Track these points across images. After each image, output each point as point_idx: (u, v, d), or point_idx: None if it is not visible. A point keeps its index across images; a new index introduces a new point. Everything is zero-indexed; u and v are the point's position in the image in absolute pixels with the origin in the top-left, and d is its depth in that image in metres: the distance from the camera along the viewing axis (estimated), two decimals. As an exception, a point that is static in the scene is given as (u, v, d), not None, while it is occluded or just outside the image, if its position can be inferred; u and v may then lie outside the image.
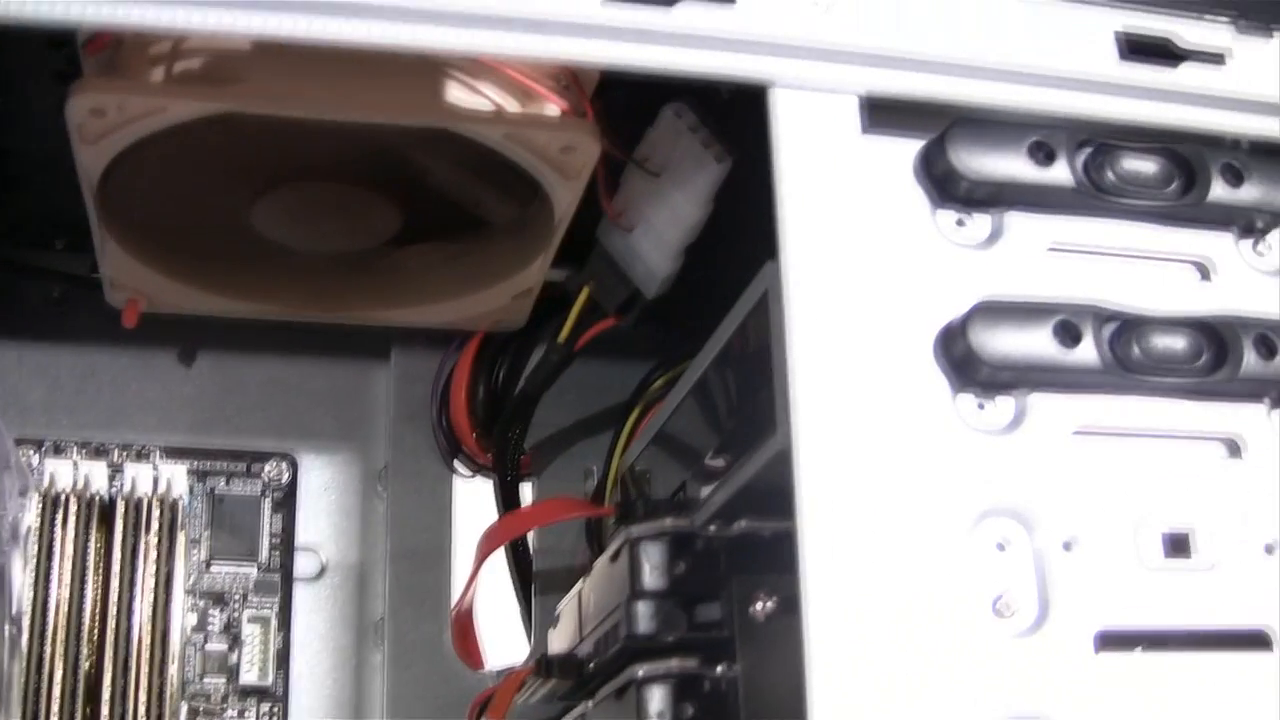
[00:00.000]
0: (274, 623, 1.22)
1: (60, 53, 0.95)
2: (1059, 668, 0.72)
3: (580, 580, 1.00)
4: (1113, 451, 0.77)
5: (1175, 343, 0.79)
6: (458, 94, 0.93)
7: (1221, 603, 0.76)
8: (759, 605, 0.81)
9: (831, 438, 0.72)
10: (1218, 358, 0.79)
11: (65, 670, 1.12)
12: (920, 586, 0.71)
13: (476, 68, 0.93)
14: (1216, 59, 0.86)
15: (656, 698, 0.84)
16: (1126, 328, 0.78)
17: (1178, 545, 0.76)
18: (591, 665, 0.94)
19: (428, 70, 0.92)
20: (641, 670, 0.84)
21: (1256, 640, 0.76)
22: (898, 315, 0.77)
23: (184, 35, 0.88)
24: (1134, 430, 0.78)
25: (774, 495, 0.74)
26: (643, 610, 0.85)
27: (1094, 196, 0.81)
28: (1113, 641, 0.73)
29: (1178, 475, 0.78)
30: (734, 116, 0.85)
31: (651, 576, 0.86)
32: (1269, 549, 0.77)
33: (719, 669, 0.83)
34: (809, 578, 0.69)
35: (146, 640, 1.14)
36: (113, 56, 0.90)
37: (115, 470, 1.22)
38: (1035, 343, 0.76)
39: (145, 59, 0.90)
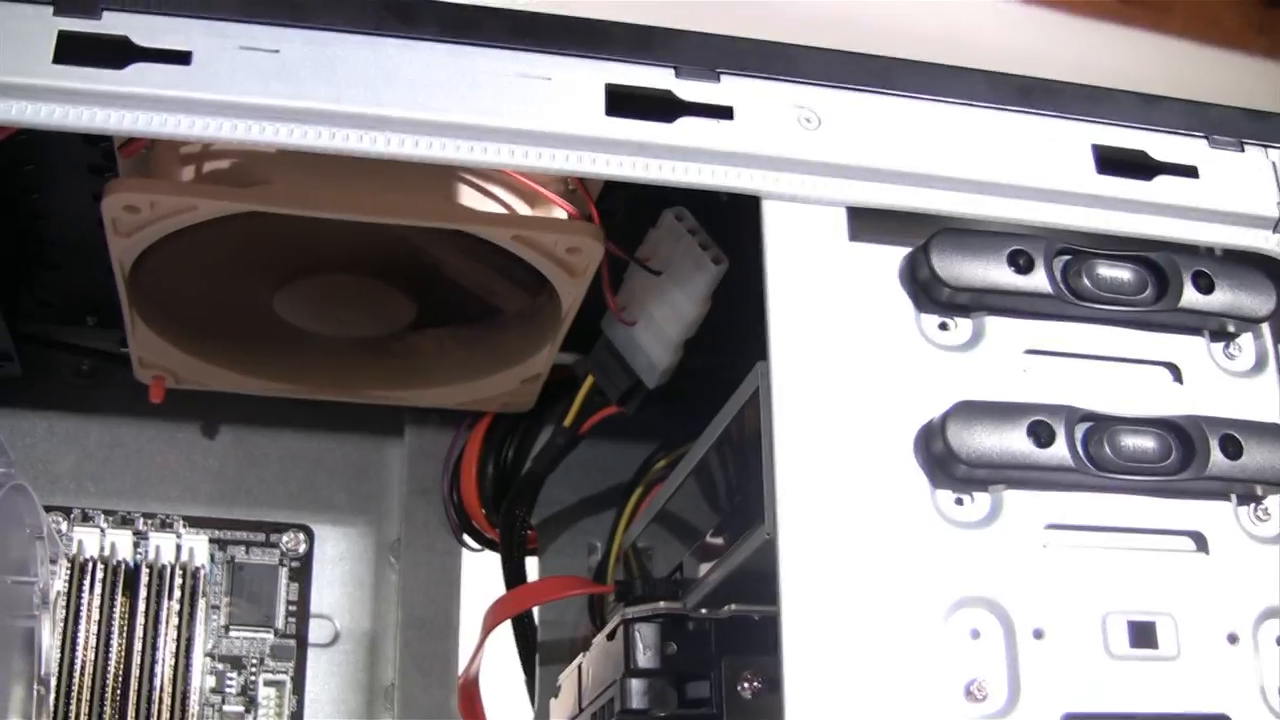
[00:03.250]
0: (289, 686, 1.24)
1: (96, 148, 0.99)
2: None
3: (580, 654, 1.03)
4: (1083, 545, 0.81)
5: (1145, 443, 0.82)
6: (470, 198, 0.96)
7: (1185, 690, 0.79)
8: (746, 685, 0.85)
9: (814, 530, 0.75)
10: (1185, 457, 0.82)
11: (89, 729, 1.14)
12: (896, 671, 0.75)
13: (488, 173, 0.97)
14: (1190, 172, 0.89)
15: (647, 770, 0.87)
16: (1098, 428, 0.82)
17: (1144, 635, 0.79)
18: (590, 736, 0.97)
19: (442, 175, 0.96)
20: (633, 745, 0.88)
21: (1218, 721, 0.79)
22: (880, 414, 0.80)
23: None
24: (1104, 525, 0.82)
25: (761, 581, 0.77)
26: (636, 687, 0.88)
27: (1070, 303, 0.85)
28: (1079, 722, 0.76)
29: (1145, 569, 0.81)
30: (732, 220, 0.88)
31: (645, 656, 0.89)
32: (1232, 639, 0.81)
33: (706, 744, 0.87)
34: (789, 661, 0.73)
35: (167, 701, 1.16)
36: (146, 157, 0.94)
37: (140, 538, 1.24)
38: (1010, 442, 0.80)
39: (176, 159, 0.94)
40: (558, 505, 1.25)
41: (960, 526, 0.80)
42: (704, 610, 0.89)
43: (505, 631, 1.20)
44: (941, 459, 0.80)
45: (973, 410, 0.80)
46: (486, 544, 1.28)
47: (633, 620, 0.89)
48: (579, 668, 1.02)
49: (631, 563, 1.10)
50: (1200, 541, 0.83)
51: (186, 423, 1.30)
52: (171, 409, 1.22)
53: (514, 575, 1.19)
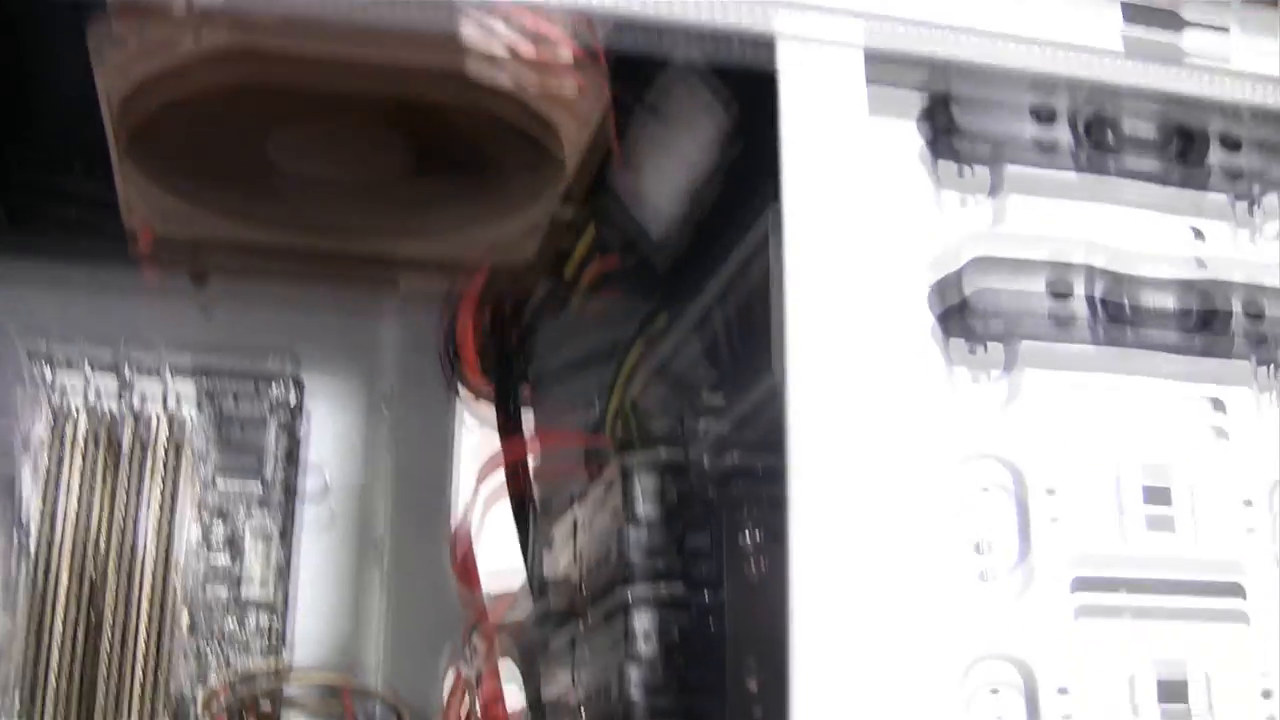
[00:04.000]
0: (276, 538, 1.24)
1: (84, -18, 0.97)
2: (1037, 605, 0.74)
3: (576, 506, 1.02)
4: (1099, 404, 0.79)
5: (1165, 300, 0.80)
6: (473, 37, 0.94)
7: (1198, 552, 0.78)
8: (747, 536, 0.83)
9: (823, 379, 0.73)
10: (1206, 317, 0.81)
11: (70, 577, 1.13)
12: (904, 523, 0.73)
13: (491, 11, 0.94)
14: (1220, 30, 0.86)
15: (644, 620, 0.86)
16: (1118, 284, 0.80)
17: (1157, 496, 0.78)
18: (584, 588, 0.96)
19: (444, 14, 0.93)
20: (631, 594, 0.86)
21: (1230, 589, 0.78)
22: (894, 264, 0.78)
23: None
24: (1120, 384, 0.80)
25: (766, 431, 0.76)
26: (634, 536, 0.87)
27: (1093, 158, 0.83)
28: (1089, 584, 0.75)
29: (1161, 429, 0.79)
30: (744, 64, 0.85)
31: (645, 504, 0.88)
32: (1247, 503, 0.79)
33: (706, 596, 0.85)
34: (795, 511, 0.71)
35: (151, 551, 1.15)
36: (135, -8, 0.92)
37: (125, 386, 1.22)
38: (1028, 295, 0.78)
39: (167, -7, 0.92)
40: (555, 359, 1.23)
41: (974, 380, 0.78)
42: (706, 460, 0.88)
43: (499, 484, 1.18)
44: (957, 310, 0.78)
45: (990, 263, 0.78)
46: (481, 396, 1.26)
47: (633, 467, 0.88)
48: (574, 519, 1.01)
49: (628, 419, 1.09)
50: (1217, 404, 0.81)
51: (176, 270, 1.26)
52: (160, 256, 1.19)
53: (509, 427, 1.18)
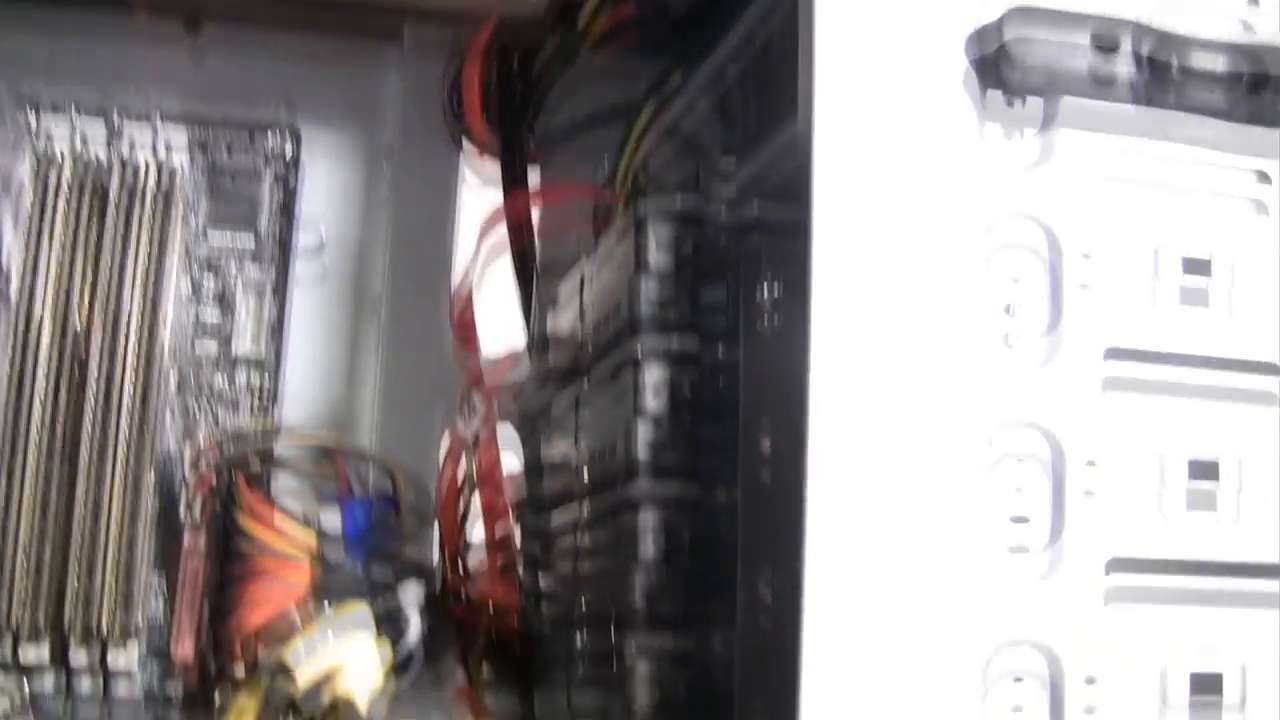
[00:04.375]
0: (269, 294, 1.22)
1: None
2: (1064, 380, 0.72)
3: (583, 261, 0.99)
4: (1140, 172, 0.76)
5: (1214, 63, 0.76)
6: None
7: (1235, 331, 0.75)
8: (765, 289, 0.80)
9: (850, 128, 0.70)
10: (1256, 83, 0.76)
11: (54, 329, 1.10)
12: (930, 286, 0.70)
13: None
14: None
15: (653, 374, 0.83)
16: (1166, 44, 0.75)
17: (1196, 267, 0.75)
18: (590, 345, 0.93)
19: None
20: (640, 346, 0.83)
21: (1267, 369, 0.75)
22: (930, 9, 0.73)
23: None
24: (1164, 153, 0.76)
25: (788, 182, 0.72)
26: (646, 287, 0.84)
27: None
28: (1121, 354, 0.73)
29: (1204, 202, 0.76)
30: None
31: (657, 254, 0.84)
32: (1289, 285, 0.76)
33: (720, 351, 0.82)
34: (817, 268, 0.68)
35: (138, 303, 1.12)
36: None
37: (114, 133, 1.18)
38: (1071, 48, 0.73)
39: None
40: (564, 117, 1.20)
41: (1009, 136, 0.74)
42: (723, 211, 0.84)
43: (502, 242, 1.17)
44: (995, 61, 0.73)
45: (1032, 13, 0.73)
46: (486, 151, 1.23)
47: (645, 216, 0.84)
48: (581, 275, 0.98)
49: (640, 179, 1.06)
50: (1262, 177, 0.78)
51: (169, 14, 1.24)
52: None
53: (514, 183, 1.15)
